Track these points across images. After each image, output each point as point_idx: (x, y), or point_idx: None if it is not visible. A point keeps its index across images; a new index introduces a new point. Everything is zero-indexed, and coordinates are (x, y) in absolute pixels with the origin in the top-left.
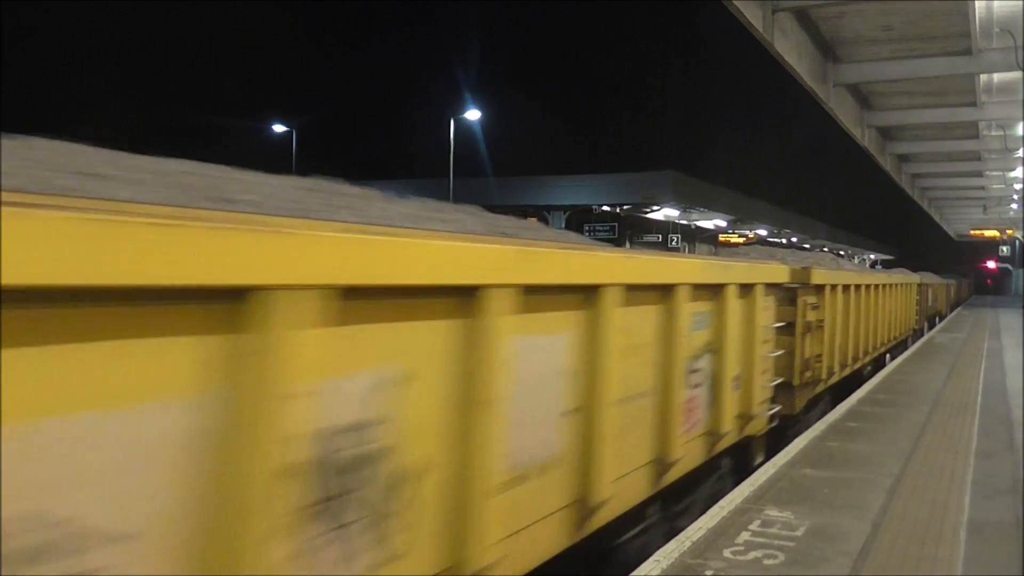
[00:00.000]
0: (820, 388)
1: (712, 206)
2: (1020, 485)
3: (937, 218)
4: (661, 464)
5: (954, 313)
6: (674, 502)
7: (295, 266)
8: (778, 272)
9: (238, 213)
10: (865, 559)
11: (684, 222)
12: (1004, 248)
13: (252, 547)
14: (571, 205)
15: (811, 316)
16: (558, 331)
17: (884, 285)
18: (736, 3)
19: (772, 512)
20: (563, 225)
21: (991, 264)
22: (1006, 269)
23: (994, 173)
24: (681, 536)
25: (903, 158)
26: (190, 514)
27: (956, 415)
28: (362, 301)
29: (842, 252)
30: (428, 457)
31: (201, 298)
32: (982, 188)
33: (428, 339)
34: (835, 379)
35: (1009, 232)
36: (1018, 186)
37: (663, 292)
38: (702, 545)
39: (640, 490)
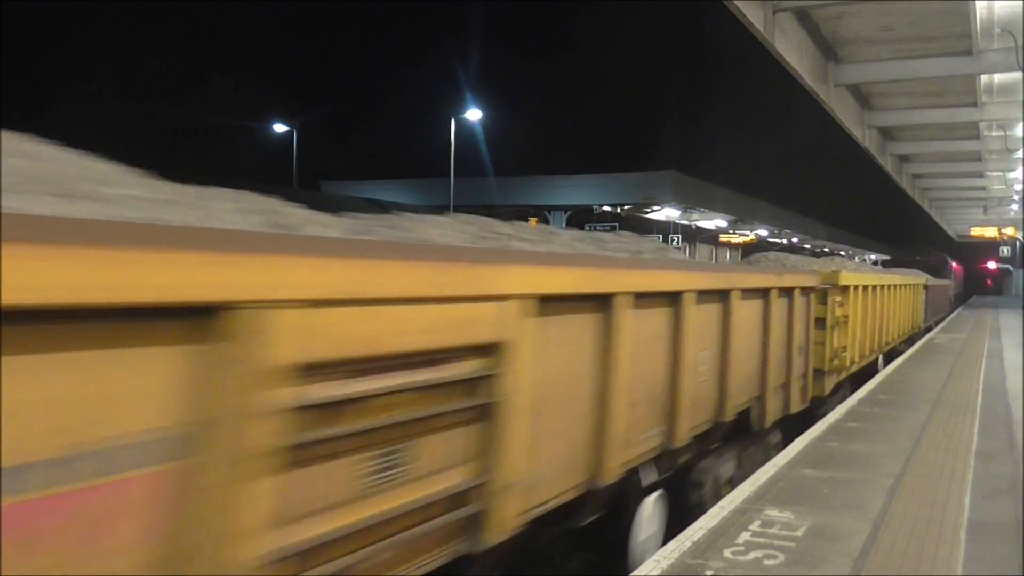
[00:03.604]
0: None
1: (712, 206)
2: (1020, 485)
3: (938, 218)
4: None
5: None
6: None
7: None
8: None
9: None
10: (865, 559)
11: (684, 222)
12: (1004, 248)
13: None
14: (572, 205)
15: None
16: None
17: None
18: (737, 3)
19: (772, 512)
20: (563, 225)
21: (991, 264)
22: (1006, 269)
23: (994, 174)
24: (681, 536)
25: (904, 158)
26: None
27: (956, 415)
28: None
29: (843, 252)
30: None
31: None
32: (983, 189)
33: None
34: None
35: (1011, 231)
36: (1018, 187)
37: (763, 293)
38: (702, 545)
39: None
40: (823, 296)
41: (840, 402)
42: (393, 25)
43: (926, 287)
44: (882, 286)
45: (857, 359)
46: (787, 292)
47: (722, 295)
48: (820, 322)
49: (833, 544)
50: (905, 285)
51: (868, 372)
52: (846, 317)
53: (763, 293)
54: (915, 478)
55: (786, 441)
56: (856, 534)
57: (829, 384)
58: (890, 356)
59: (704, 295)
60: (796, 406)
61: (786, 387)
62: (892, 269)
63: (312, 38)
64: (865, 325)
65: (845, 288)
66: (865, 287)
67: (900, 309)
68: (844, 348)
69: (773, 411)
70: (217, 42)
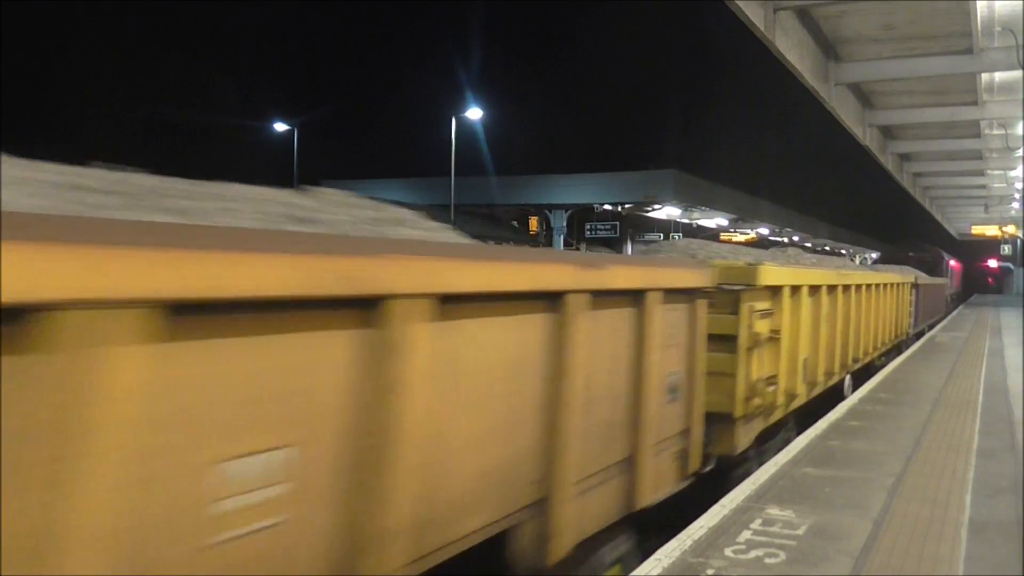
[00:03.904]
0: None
1: (713, 205)
2: (1021, 484)
3: (939, 217)
4: None
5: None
6: None
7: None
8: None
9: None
10: (866, 558)
11: (685, 221)
12: (1005, 247)
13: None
14: (573, 204)
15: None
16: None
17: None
18: (737, 2)
19: (773, 511)
20: (564, 224)
21: (992, 262)
22: (1007, 268)
23: (995, 172)
24: (682, 535)
25: (904, 157)
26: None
27: (957, 414)
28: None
29: (843, 251)
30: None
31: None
32: (983, 187)
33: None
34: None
35: (1012, 229)
36: (1019, 185)
37: (547, 301)
38: (703, 544)
39: None
40: (732, 303)
41: (776, 452)
42: (393, 25)
43: (915, 286)
44: (845, 286)
45: (802, 390)
46: (631, 299)
47: (361, 309)
48: (726, 342)
49: (834, 543)
50: (883, 284)
51: (828, 401)
52: (777, 332)
53: (549, 302)
54: (916, 477)
55: (645, 552)
56: (857, 533)
57: (745, 436)
58: (863, 375)
59: (259, 314)
60: (653, 492)
61: (629, 465)
62: (879, 266)
63: (312, 38)
64: (816, 340)
65: (775, 290)
66: (813, 287)
67: (878, 314)
68: (772, 378)
69: (579, 523)
70: (217, 42)
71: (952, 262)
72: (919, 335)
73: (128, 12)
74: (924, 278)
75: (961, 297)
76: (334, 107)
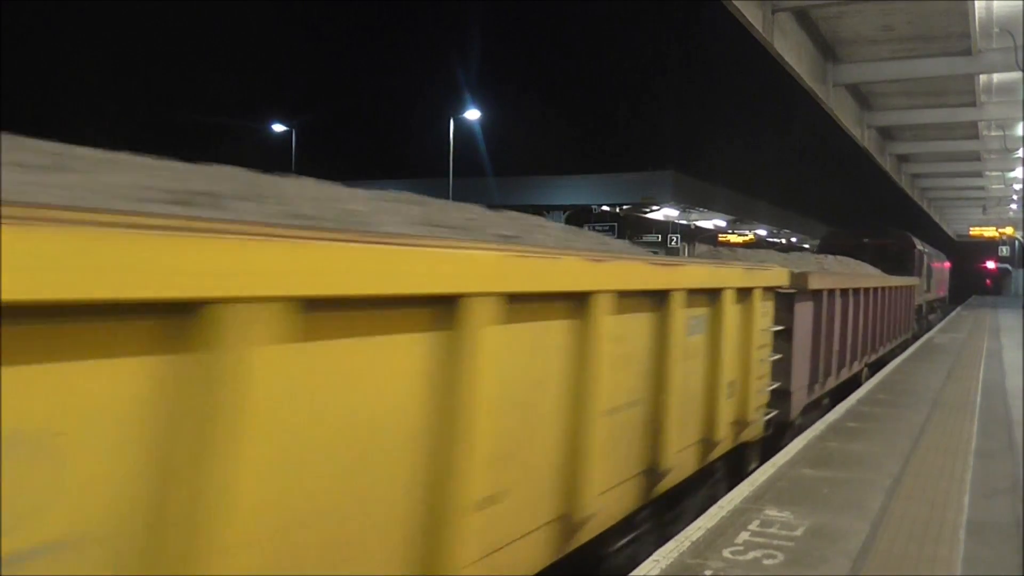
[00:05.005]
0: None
1: (711, 206)
2: (1019, 485)
3: (937, 218)
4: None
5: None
6: None
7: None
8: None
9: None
10: (864, 559)
11: (684, 222)
12: (1004, 248)
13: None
14: (571, 205)
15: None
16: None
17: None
18: (736, 3)
19: (771, 512)
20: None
21: (991, 264)
22: (1006, 269)
23: (993, 173)
24: (680, 536)
25: (903, 158)
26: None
27: (956, 415)
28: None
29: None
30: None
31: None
32: (982, 188)
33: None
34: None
35: (1010, 230)
36: (1018, 186)
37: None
38: (701, 545)
39: None
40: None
41: None
42: (391, 26)
43: (808, 295)
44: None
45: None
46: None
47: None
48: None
49: (832, 544)
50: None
51: None
52: None
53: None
54: (914, 478)
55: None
56: (855, 534)
57: None
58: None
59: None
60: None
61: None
62: (794, 254)
63: (310, 39)
64: None
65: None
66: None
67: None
68: None
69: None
70: (215, 43)
71: (938, 263)
72: (848, 387)
73: (127, 12)
74: (836, 277)
75: (945, 306)
76: (332, 108)
